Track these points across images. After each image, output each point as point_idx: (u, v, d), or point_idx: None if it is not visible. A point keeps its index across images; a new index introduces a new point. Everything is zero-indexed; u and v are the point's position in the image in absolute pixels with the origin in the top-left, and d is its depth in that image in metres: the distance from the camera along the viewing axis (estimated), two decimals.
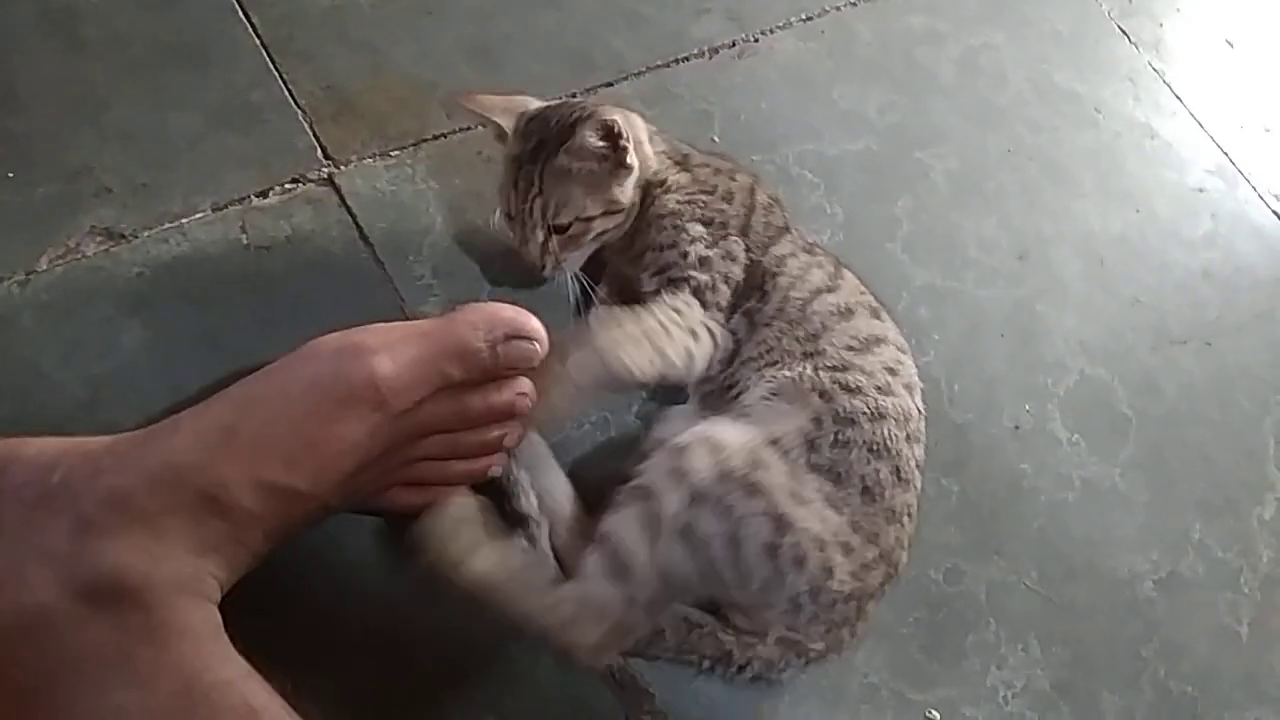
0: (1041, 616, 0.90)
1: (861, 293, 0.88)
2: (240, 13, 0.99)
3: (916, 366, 0.86)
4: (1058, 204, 1.14)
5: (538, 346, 0.72)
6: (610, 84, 1.06)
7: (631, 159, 0.84)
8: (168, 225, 0.87)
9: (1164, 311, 1.11)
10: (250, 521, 0.62)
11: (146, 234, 0.86)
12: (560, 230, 0.84)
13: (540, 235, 0.84)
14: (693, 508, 0.72)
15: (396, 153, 0.96)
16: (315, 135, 0.95)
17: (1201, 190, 1.21)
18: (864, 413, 0.77)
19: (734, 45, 1.14)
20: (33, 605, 0.55)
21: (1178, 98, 1.27)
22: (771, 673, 0.78)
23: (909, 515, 0.79)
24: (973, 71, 1.21)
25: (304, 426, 0.63)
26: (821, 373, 0.80)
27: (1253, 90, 1.31)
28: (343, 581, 0.77)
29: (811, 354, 0.81)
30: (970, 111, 1.17)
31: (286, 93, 0.96)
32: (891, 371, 0.82)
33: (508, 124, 0.87)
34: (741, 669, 0.77)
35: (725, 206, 0.88)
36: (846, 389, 0.78)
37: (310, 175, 0.93)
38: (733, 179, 0.91)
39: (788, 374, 0.80)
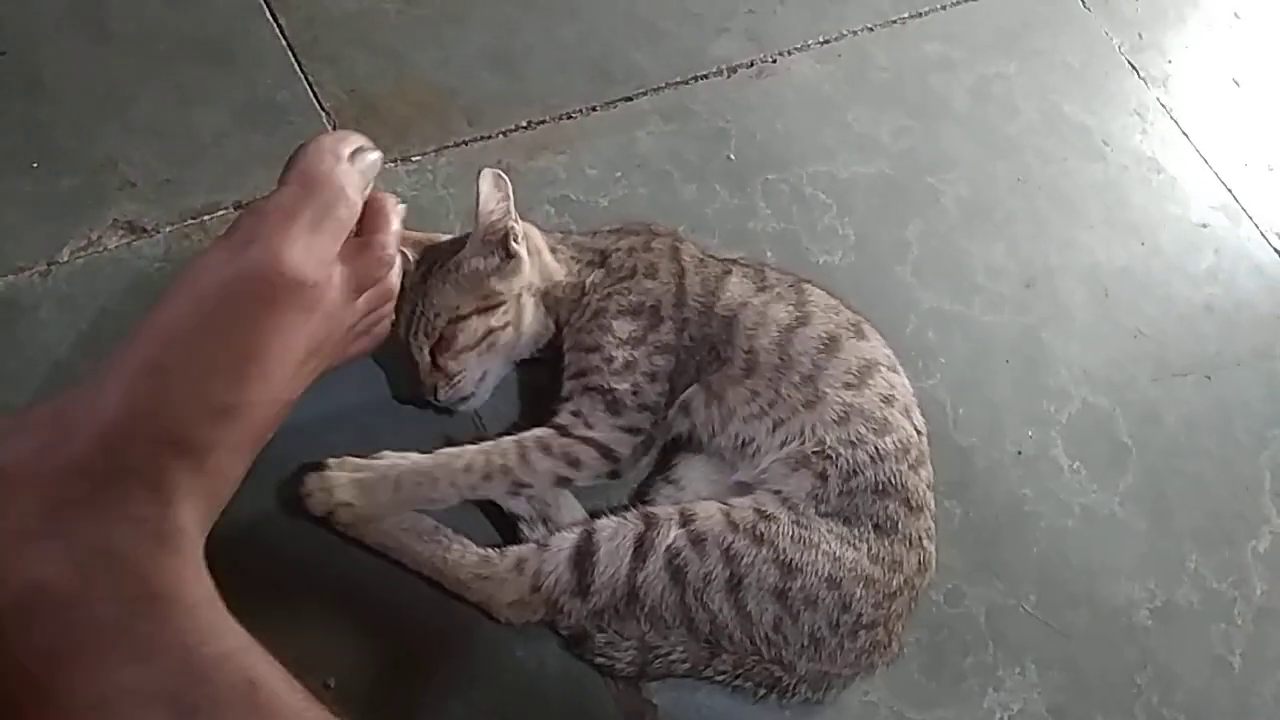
0: (1039, 641, 0.91)
1: (835, 311, 0.87)
2: (267, 13, 1.00)
3: (920, 388, 0.88)
4: (1065, 234, 1.16)
5: (378, 154, 0.74)
6: (629, 98, 1.07)
7: (517, 248, 0.82)
8: (190, 221, 0.88)
9: (1166, 344, 1.13)
10: (211, 449, 0.60)
11: (169, 229, 0.87)
12: (438, 338, 0.81)
13: (426, 354, 0.81)
14: (693, 548, 0.74)
15: (418, 158, 0.97)
16: None
17: (1205, 226, 1.23)
18: (866, 461, 0.79)
19: (752, 65, 1.15)
20: (27, 584, 0.54)
21: (1184, 134, 1.29)
22: (816, 695, 0.79)
23: (928, 537, 0.81)
24: (985, 100, 1.22)
25: (232, 338, 0.61)
26: (824, 430, 0.80)
27: (1257, 129, 1.33)
28: (346, 585, 0.77)
29: (812, 402, 0.81)
30: (981, 139, 1.19)
31: (311, 95, 0.97)
32: (888, 401, 0.83)
33: (413, 256, 0.84)
34: (792, 693, 0.78)
35: (650, 285, 0.84)
36: (849, 444, 0.80)
37: None
38: (649, 249, 0.87)
39: (796, 442, 0.81)
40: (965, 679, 0.87)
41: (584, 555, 0.75)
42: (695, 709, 0.79)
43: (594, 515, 0.80)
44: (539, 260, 0.85)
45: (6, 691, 0.53)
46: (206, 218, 0.88)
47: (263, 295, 0.62)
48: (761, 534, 0.75)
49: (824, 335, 0.84)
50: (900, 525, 0.79)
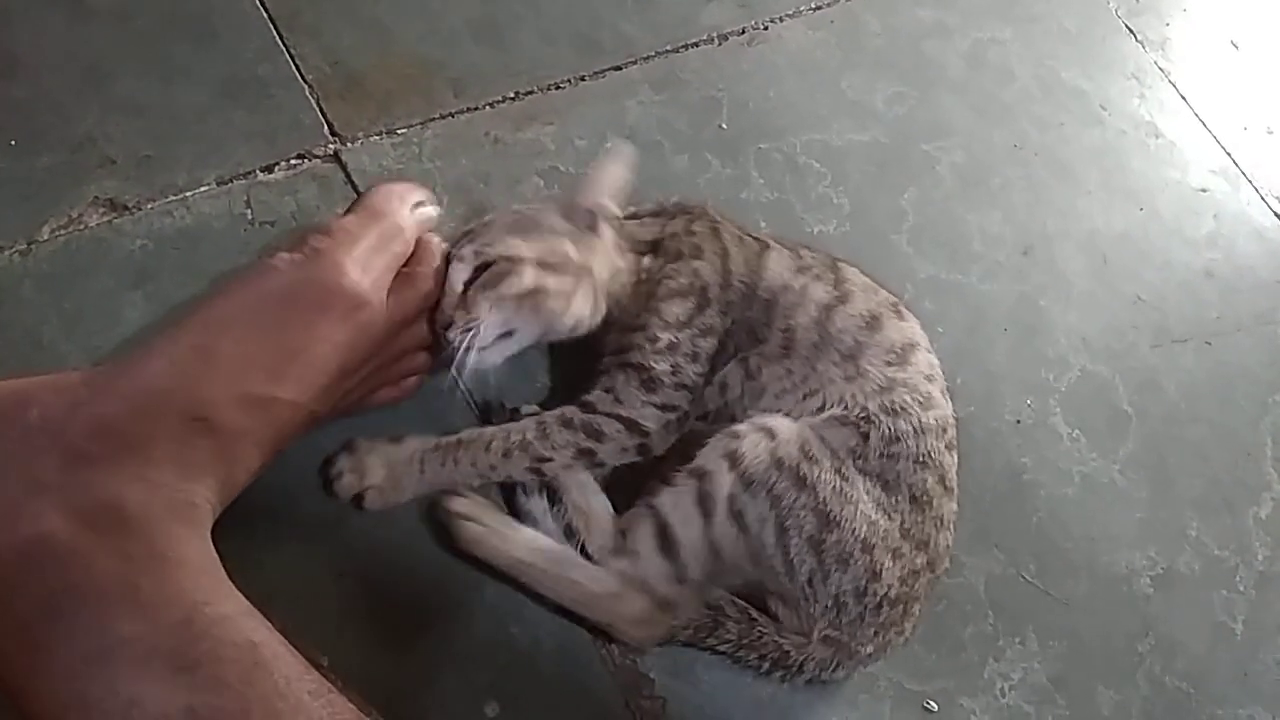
0: (1039, 610, 0.90)
1: (874, 291, 0.85)
2: None
3: None
4: (1062, 200, 1.14)
5: (437, 211, 0.78)
6: (619, 67, 1.06)
7: (604, 228, 0.80)
8: (172, 198, 0.86)
9: (1165, 310, 1.11)
10: (238, 437, 0.62)
11: (150, 206, 0.86)
12: (482, 268, 0.75)
13: (460, 283, 0.75)
14: (746, 492, 0.73)
15: (403, 131, 0.95)
16: (322, 111, 0.94)
17: (1204, 190, 1.21)
18: (909, 431, 0.77)
19: (743, 32, 1.14)
20: (32, 535, 0.54)
21: (1182, 97, 1.27)
22: (824, 673, 0.78)
23: (953, 524, 0.80)
24: (980, 66, 1.21)
25: (281, 335, 0.64)
26: (866, 398, 0.78)
27: (1256, 92, 1.32)
28: (343, 566, 0.76)
29: (853, 377, 0.79)
30: (977, 106, 1.17)
31: (294, 68, 0.95)
32: (930, 379, 0.81)
33: None
34: (799, 670, 0.77)
35: (698, 265, 0.82)
36: (892, 412, 0.78)
37: (316, 151, 0.92)
38: (691, 231, 0.85)
39: (837, 408, 0.79)
40: (965, 649, 0.86)
41: (664, 535, 0.75)
42: (693, 681, 0.79)
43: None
44: (609, 255, 0.82)
45: (6, 641, 0.53)
46: (188, 194, 0.87)
47: (319, 301, 0.65)
48: (804, 476, 0.74)
49: (865, 314, 0.81)
50: (935, 503, 0.78)
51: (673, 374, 0.78)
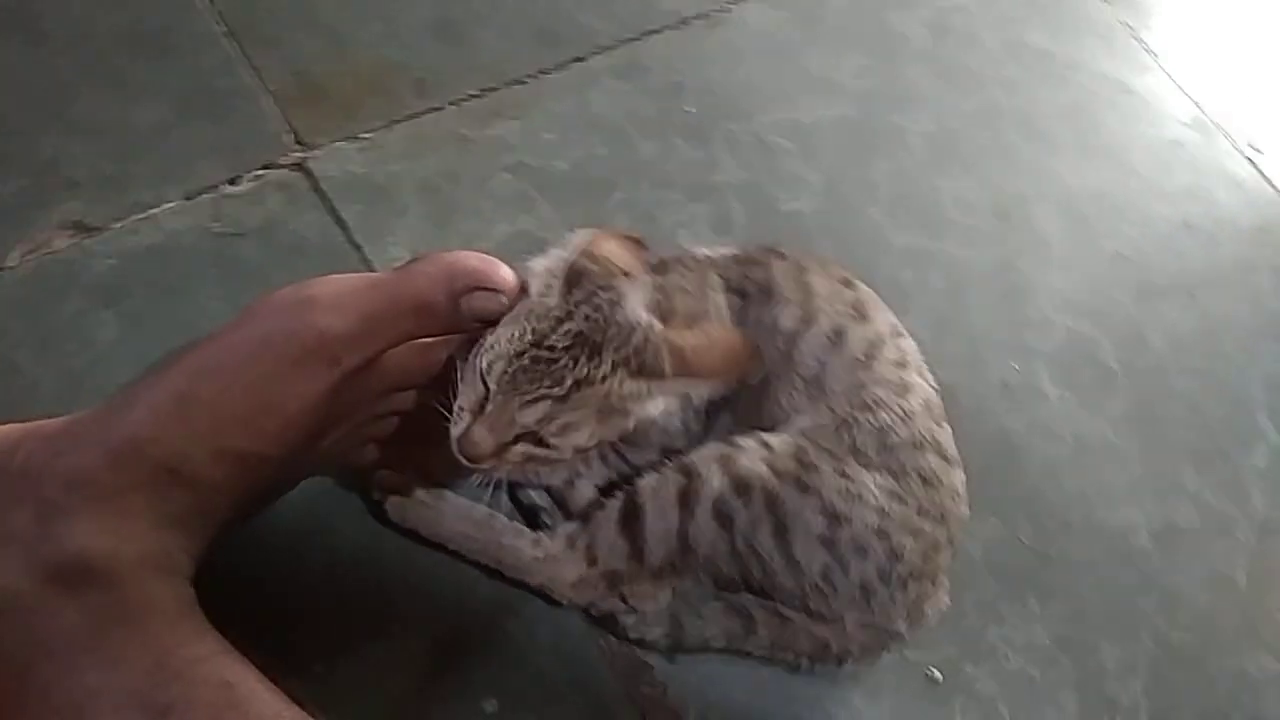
0: (1038, 573, 0.89)
1: (838, 298, 0.79)
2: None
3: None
4: (1035, 162, 1.14)
5: (504, 300, 0.66)
6: (581, 59, 1.05)
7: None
8: (138, 216, 0.86)
9: (1147, 265, 1.11)
10: (214, 490, 0.60)
11: (117, 225, 0.85)
12: (538, 443, 0.67)
13: (510, 432, 0.65)
14: (738, 498, 0.72)
15: (368, 135, 0.95)
16: (285, 120, 0.93)
17: (1178, 143, 1.21)
18: (894, 421, 0.76)
19: (704, 16, 1.13)
20: (1, 590, 0.53)
21: (1150, 52, 1.27)
22: (867, 657, 0.77)
23: (964, 490, 0.79)
24: (944, 33, 1.20)
25: (259, 389, 0.60)
26: (836, 406, 0.76)
27: (1224, 42, 1.32)
28: (333, 566, 0.76)
29: (816, 397, 0.77)
30: (944, 74, 1.17)
31: (254, 79, 0.95)
32: (901, 365, 0.80)
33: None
34: (841, 660, 0.77)
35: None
36: (867, 408, 0.76)
37: (281, 161, 0.91)
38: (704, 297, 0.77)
39: (809, 423, 0.76)
40: (966, 616, 0.86)
41: (631, 517, 0.73)
42: (691, 666, 0.78)
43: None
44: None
45: None
46: (155, 211, 0.86)
47: (298, 354, 0.61)
48: (806, 485, 0.72)
49: (830, 331, 0.78)
50: (943, 478, 0.77)
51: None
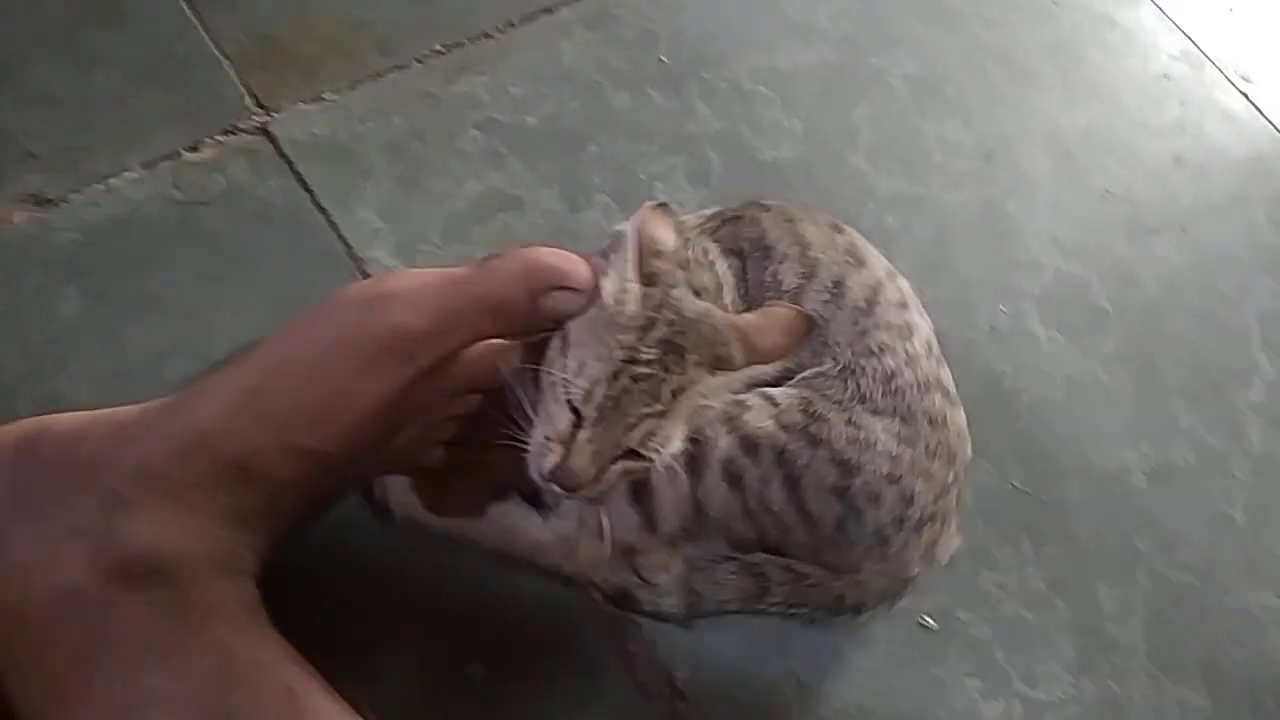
0: (1031, 517, 0.88)
1: (831, 247, 0.77)
2: None
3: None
4: (1020, 101, 1.11)
5: (584, 299, 0.63)
6: (549, 10, 1.02)
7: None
8: (98, 187, 0.84)
9: (1137, 202, 1.09)
10: (282, 488, 0.58)
11: (76, 198, 0.83)
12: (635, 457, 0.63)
13: (613, 455, 0.62)
14: (746, 455, 0.70)
15: (331, 96, 0.92)
16: (244, 84, 0.91)
17: (1167, 77, 1.18)
18: (900, 365, 0.74)
19: None
20: (65, 586, 0.52)
21: None
22: (883, 605, 0.76)
23: (967, 430, 0.78)
24: None
25: (330, 385, 0.58)
26: (840, 354, 0.74)
27: None
28: (318, 539, 0.74)
29: (820, 350, 0.75)
30: (924, 14, 1.14)
31: (211, 43, 0.92)
32: (903, 305, 0.78)
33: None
34: (858, 610, 0.75)
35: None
36: (872, 353, 0.74)
37: (242, 125, 0.89)
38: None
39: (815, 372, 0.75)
40: (958, 562, 0.83)
41: (640, 487, 0.71)
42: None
43: None
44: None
45: (34, 695, 0.52)
46: (114, 181, 0.84)
47: (371, 351, 0.59)
48: (816, 436, 0.71)
49: (830, 283, 0.76)
50: (948, 418, 0.75)
51: None
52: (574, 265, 0.63)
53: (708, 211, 0.80)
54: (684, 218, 0.77)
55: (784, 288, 0.75)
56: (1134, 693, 0.82)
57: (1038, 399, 0.94)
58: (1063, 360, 0.97)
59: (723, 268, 0.75)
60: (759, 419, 0.71)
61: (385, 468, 0.68)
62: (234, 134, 0.88)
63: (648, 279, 0.62)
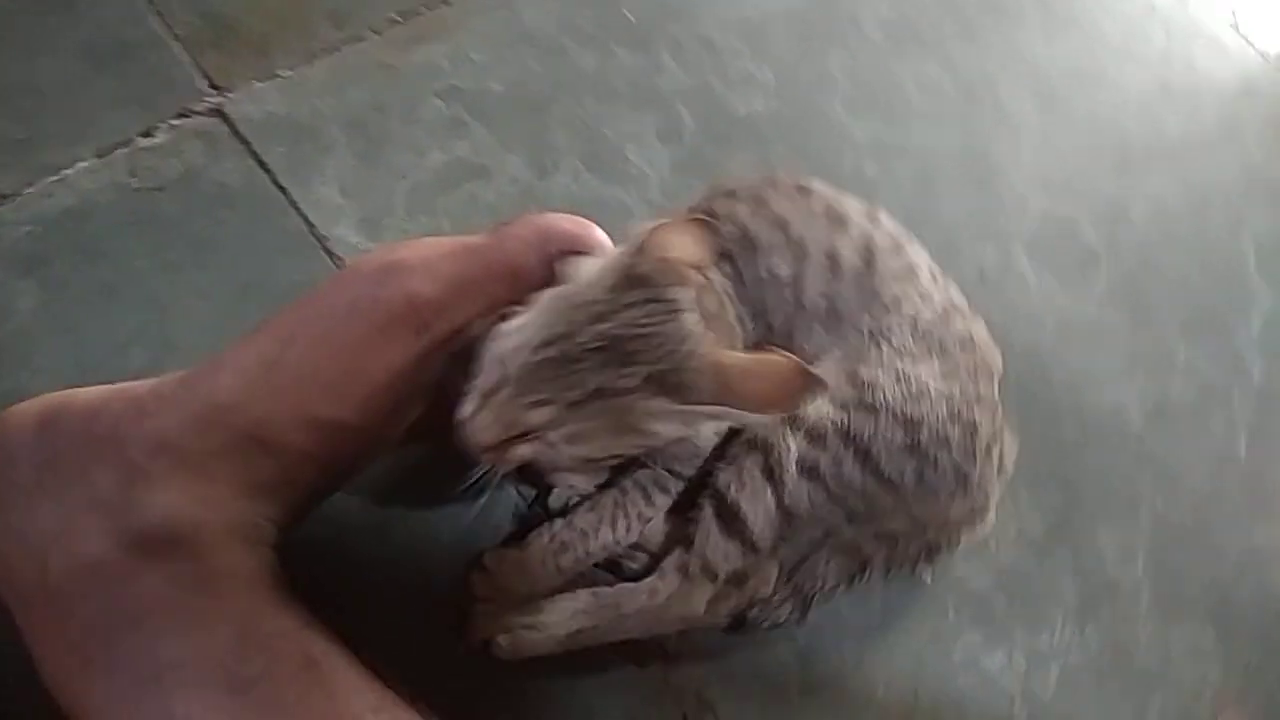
0: (1027, 463, 0.84)
1: (808, 215, 0.74)
2: None
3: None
4: (1000, 39, 1.08)
5: (713, 279, 0.63)
6: None
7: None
8: (51, 179, 0.81)
9: (1124, 136, 1.06)
10: (301, 459, 0.58)
11: (29, 190, 0.81)
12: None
13: (513, 429, 0.59)
14: (814, 446, 0.69)
15: (286, 72, 0.90)
16: (197, 65, 0.88)
17: (1151, 6, 1.15)
18: (916, 310, 0.73)
19: None
20: (86, 558, 0.52)
21: None
22: (967, 537, 0.76)
23: (991, 339, 0.78)
24: None
25: (345, 355, 0.58)
26: (863, 324, 0.72)
27: None
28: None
29: (835, 325, 0.73)
30: None
31: (160, 25, 0.89)
32: (896, 248, 0.75)
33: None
34: (948, 550, 0.76)
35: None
36: (888, 309, 0.73)
37: (196, 108, 0.86)
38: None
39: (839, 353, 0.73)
40: None
41: (729, 516, 0.69)
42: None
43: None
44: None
45: (60, 665, 0.52)
46: (67, 172, 0.82)
47: (385, 320, 0.59)
48: (871, 404, 0.69)
49: (823, 257, 0.73)
50: (975, 335, 0.75)
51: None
52: (588, 230, 0.62)
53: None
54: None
55: (783, 280, 0.72)
56: (1140, 636, 0.81)
57: (1029, 343, 0.91)
58: (1054, 302, 0.94)
59: (715, 278, 0.70)
60: (812, 406, 0.69)
61: (403, 440, 0.66)
62: (188, 117, 0.86)
63: (633, 280, 0.59)
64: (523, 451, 0.59)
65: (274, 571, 0.57)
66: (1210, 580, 0.84)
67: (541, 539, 0.71)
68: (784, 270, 0.72)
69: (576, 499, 0.74)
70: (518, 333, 0.59)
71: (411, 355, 0.59)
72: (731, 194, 0.75)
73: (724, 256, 0.72)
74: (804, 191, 0.76)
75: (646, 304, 0.58)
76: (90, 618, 0.52)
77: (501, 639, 0.69)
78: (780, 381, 0.58)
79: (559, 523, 0.71)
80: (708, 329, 0.59)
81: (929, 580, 0.78)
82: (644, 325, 0.57)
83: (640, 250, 0.59)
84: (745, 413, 0.58)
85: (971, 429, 0.71)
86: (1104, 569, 0.83)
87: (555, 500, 0.74)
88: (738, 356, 0.60)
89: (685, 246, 0.61)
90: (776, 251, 0.72)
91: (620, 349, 0.57)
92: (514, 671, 0.69)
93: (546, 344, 0.57)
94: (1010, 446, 0.76)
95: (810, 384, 0.57)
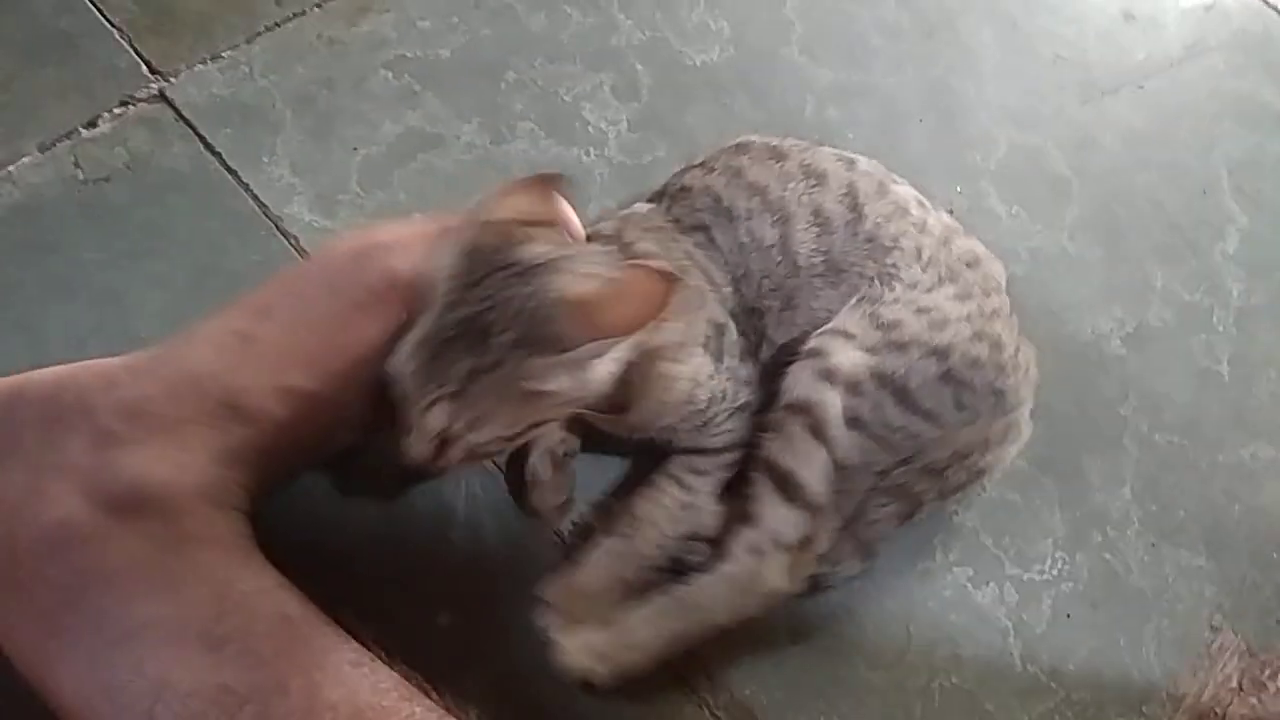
0: None
1: (783, 177, 0.74)
2: None
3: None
4: None
5: (567, 237, 0.63)
6: None
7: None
8: None
9: (1088, 63, 1.04)
10: (275, 428, 0.58)
11: None
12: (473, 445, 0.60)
13: (434, 435, 0.59)
14: (852, 395, 0.69)
15: (228, 53, 0.88)
16: (136, 51, 0.87)
17: None
18: (915, 242, 0.74)
19: None
20: (55, 520, 0.52)
21: None
22: (1012, 447, 0.77)
23: (989, 252, 0.79)
24: None
25: (324, 329, 0.60)
26: (866, 265, 0.73)
27: None
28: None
29: (839, 281, 0.73)
30: None
31: (96, 13, 0.88)
32: (881, 190, 0.75)
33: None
34: (992, 471, 0.76)
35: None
36: (888, 250, 0.73)
37: (139, 95, 0.85)
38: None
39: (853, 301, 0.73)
40: None
41: (784, 483, 0.69)
42: None
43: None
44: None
45: (29, 630, 0.52)
46: (11, 168, 0.80)
47: (362, 297, 0.60)
48: (898, 342, 0.70)
49: (809, 218, 0.73)
50: (974, 252, 0.76)
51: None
52: (555, 205, 0.63)
53: (645, 200, 0.76)
54: (636, 206, 0.75)
55: (767, 243, 0.72)
56: (1131, 561, 0.80)
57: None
58: (1026, 234, 0.93)
59: (688, 247, 0.72)
60: (845, 357, 0.70)
61: (378, 424, 0.66)
62: (132, 104, 0.85)
63: (471, 258, 0.58)
64: (452, 454, 0.59)
65: (247, 535, 0.57)
66: (1199, 501, 0.83)
67: (594, 558, 0.71)
68: (767, 234, 0.72)
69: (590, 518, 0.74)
70: (405, 343, 0.59)
71: (388, 332, 0.60)
72: (701, 165, 0.76)
73: (698, 228, 0.73)
74: (777, 153, 0.76)
75: (487, 276, 0.57)
76: (61, 580, 0.52)
77: (599, 668, 0.68)
78: (641, 293, 0.57)
79: (604, 540, 0.71)
80: (590, 272, 0.58)
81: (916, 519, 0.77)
82: (491, 296, 0.57)
83: (469, 224, 0.60)
84: (625, 338, 0.57)
85: (996, 343, 0.73)
86: (1091, 497, 0.82)
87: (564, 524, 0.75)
88: (594, 288, 0.58)
89: (521, 205, 0.61)
90: (756, 217, 0.73)
91: (476, 326, 0.56)
92: (493, 641, 0.69)
93: (421, 345, 0.57)
94: (1031, 353, 0.77)
95: (670, 283, 0.57)
